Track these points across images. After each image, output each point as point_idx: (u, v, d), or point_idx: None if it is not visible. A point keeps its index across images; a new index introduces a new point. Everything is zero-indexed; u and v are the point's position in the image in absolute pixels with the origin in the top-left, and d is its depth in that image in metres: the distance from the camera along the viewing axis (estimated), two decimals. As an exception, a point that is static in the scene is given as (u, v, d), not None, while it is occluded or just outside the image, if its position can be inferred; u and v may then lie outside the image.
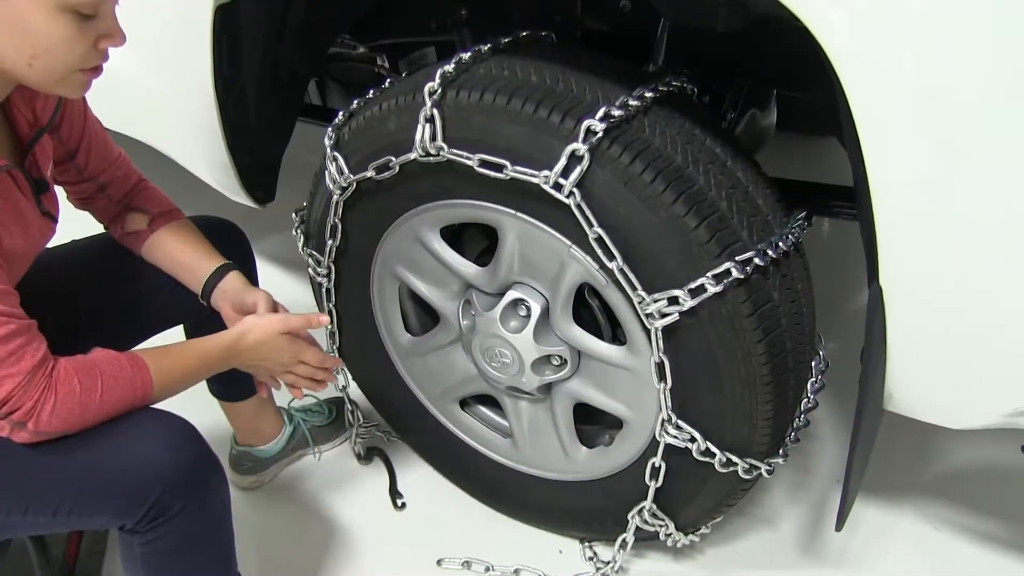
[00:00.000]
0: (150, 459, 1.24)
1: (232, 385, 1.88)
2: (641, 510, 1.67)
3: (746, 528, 1.98)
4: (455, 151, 1.45)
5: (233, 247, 1.73)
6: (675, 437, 1.51)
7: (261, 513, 2.01)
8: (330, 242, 1.74)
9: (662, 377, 1.46)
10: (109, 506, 1.25)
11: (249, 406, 1.94)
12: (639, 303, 1.39)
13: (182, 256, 1.58)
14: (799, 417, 1.61)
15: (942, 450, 2.17)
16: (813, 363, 1.63)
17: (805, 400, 1.62)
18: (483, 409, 1.93)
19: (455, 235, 1.74)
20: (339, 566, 1.90)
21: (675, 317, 1.38)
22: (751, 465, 1.52)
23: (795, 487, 2.07)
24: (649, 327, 1.41)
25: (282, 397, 2.08)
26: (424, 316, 1.91)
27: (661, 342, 1.42)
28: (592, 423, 1.82)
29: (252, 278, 1.78)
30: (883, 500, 2.03)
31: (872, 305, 1.26)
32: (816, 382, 1.63)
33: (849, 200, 1.83)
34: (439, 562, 1.90)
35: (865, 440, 1.44)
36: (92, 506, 1.26)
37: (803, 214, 1.53)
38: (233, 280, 1.58)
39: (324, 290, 1.83)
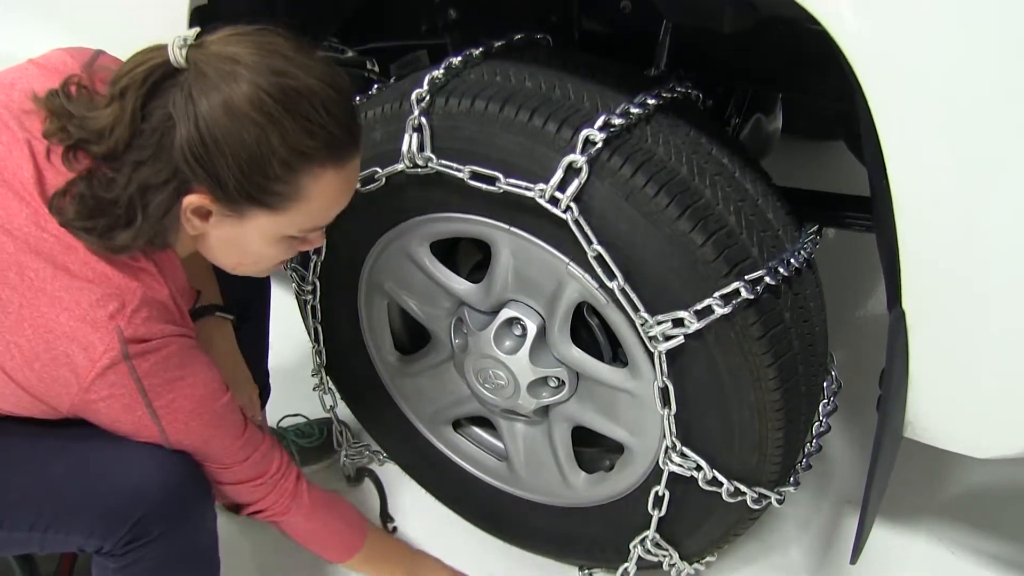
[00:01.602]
0: (135, 477, 1.18)
1: None
2: (644, 539, 1.58)
3: (754, 554, 1.89)
4: (444, 162, 1.36)
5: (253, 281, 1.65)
6: (680, 465, 1.42)
7: (248, 536, 1.92)
8: (314, 258, 1.65)
9: (666, 402, 1.37)
10: (87, 524, 1.19)
11: None
12: (642, 325, 1.30)
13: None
14: (811, 442, 1.52)
15: (958, 471, 2.08)
16: (825, 384, 1.54)
17: (817, 424, 1.53)
18: (477, 430, 1.85)
19: (447, 250, 1.64)
20: None
21: (680, 340, 1.29)
22: (760, 495, 1.43)
23: (805, 509, 1.97)
24: (652, 350, 1.32)
25: (271, 414, 1.99)
26: (415, 334, 1.81)
27: (665, 366, 1.33)
28: (592, 446, 1.73)
29: (266, 310, 1.78)
30: (897, 523, 1.94)
31: (894, 330, 1.17)
32: (828, 404, 1.54)
33: (863, 211, 1.73)
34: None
35: (883, 469, 1.35)
36: (70, 523, 1.20)
37: (815, 228, 1.44)
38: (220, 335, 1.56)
39: (309, 307, 1.73)
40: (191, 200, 1.09)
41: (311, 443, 2.03)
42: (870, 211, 1.67)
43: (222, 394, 1.23)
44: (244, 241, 1.16)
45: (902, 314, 1.13)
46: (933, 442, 1.32)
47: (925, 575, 1.85)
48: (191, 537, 1.27)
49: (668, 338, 1.30)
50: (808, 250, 1.38)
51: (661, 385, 1.35)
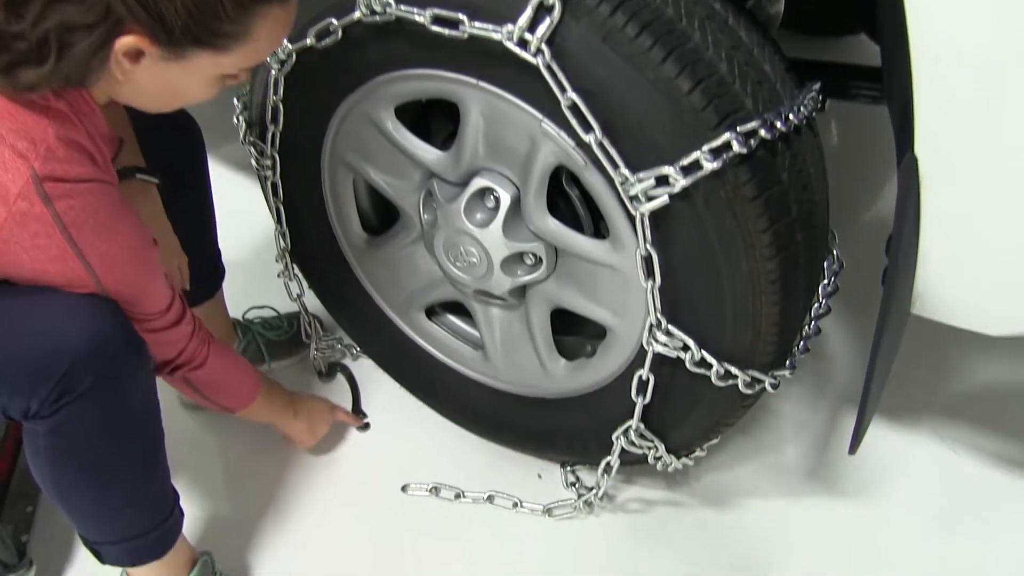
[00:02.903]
0: (58, 327, 1.09)
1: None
2: (627, 430, 1.47)
3: (746, 453, 1.78)
4: (404, 7, 1.22)
5: (183, 141, 1.58)
6: (665, 345, 1.30)
7: (213, 434, 1.82)
8: (272, 127, 1.51)
9: (650, 274, 1.24)
10: (11, 380, 1.10)
11: (199, 313, 1.71)
12: (622, 184, 1.17)
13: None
14: (809, 324, 1.40)
15: (961, 369, 1.97)
16: (826, 263, 1.41)
17: (816, 305, 1.41)
18: (452, 318, 1.73)
19: (416, 124, 1.50)
20: (296, 491, 1.73)
21: (664, 200, 1.16)
22: (753, 378, 1.31)
23: (801, 408, 1.87)
24: (634, 213, 1.19)
25: (237, 307, 1.87)
26: (384, 214, 1.68)
27: (648, 231, 1.20)
28: (573, 334, 1.60)
29: (203, 180, 1.66)
30: (897, 421, 1.83)
31: (904, 181, 1.04)
32: (829, 285, 1.41)
33: (868, 80, 1.59)
34: (404, 488, 1.72)
35: (887, 350, 1.23)
36: None
37: (818, 85, 1.29)
38: (143, 199, 1.45)
39: (270, 184, 1.60)
40: (125, 42, 0.98)
41: (279, 336, 1.91)
42: (875, 80, 1.54)
43: (152, 246, 1.19)
44: (177, 83, 1.07)
45: (914, 162, 0.99)
46: (945, 318, 1.19)
47: (926, 474, 1.76)
48: (125, 396, 1.17)
49: (651, 198, 1.17)
50: (809, 108, 1.23)
51: (644, 253, 1.22)
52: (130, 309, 1.18)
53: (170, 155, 1.47)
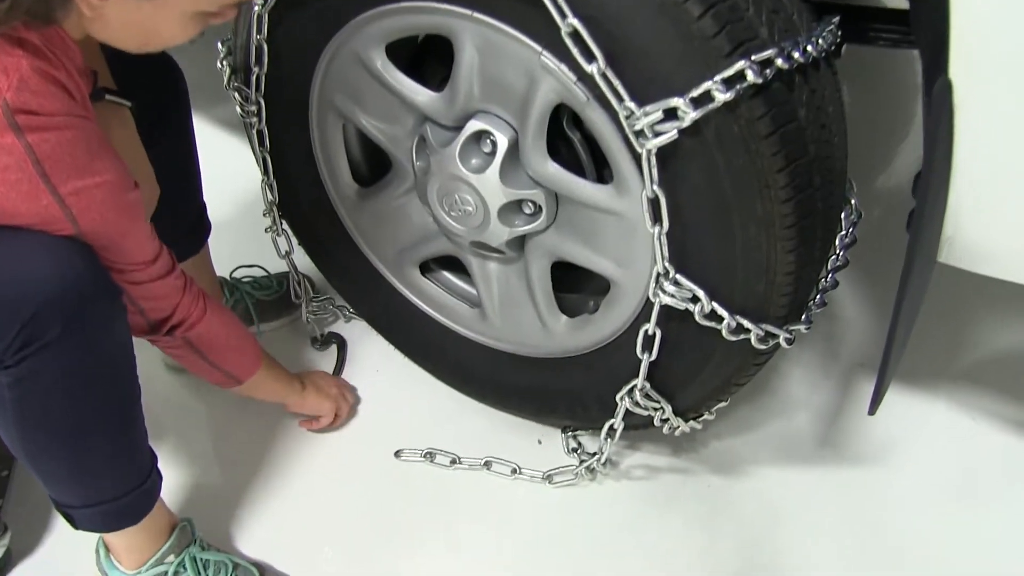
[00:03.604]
0: (25, 271, 1.02)
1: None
2: (632, 390, 1.39)
3: (757, 418, 1.70)
4: (394, -70, 1.12)
5: (164, 80, 1.49)
6: (673, 296, 1.22)
7: (197, 398, 1.74)
8: (256, 69, 1.42)
9: (657, 218, 1.15)
10: None
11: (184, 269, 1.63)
12: (627, 118, 1.08)
13: None
14: (826, 276, 1.31)
15: (981, 333, 1.89)
16: (843, 214, 1.32)
17: (833, 257, 1.32)
18: (447, 275, 1.64)
19: (410, 68, 1.41)
20: (283, 456, 1.66)
21: (673, 135, 1.07)
22: (767, 332, 1.22)
23: (814, 373, 1.79)
24: (640, 150, 1.10)
25: (224, 267, 1.78)
26: (375, 164, 1.60)
27: (655, 171, 1.11)
28: (574, 291, 1.52)
29: (186, 123, 1.57)
30: (915, 388, 1.75)
31: (935, 110, 0.94)
32: (846, 236, 1.33)
33: (889, 22, 1.49)
34: (397, 454, 1.65)
35: (912, 302, 1.14)
36: None
37: (837, 19, 1.20)
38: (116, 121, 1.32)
39: (255, 132, 1.52)
40: None
41: (268, 296, 1.83)
42: (893, 22, 1.45)
43: (132, 188, 1.12)
44: (151, 20, 1.04)
45: (947, 87, 0.90)
46: (975, 265, 1.11)
47: (943, 441, 1.68)
48: (96, 347, 1.10)
49: (658, 134, 1.08)
50: (828, 41, 1.14)
51: (651, 195, 1.13)
52: (111, 257, 1.12)
53: (150, 95, 1.38)
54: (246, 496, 1.59)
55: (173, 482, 1.56)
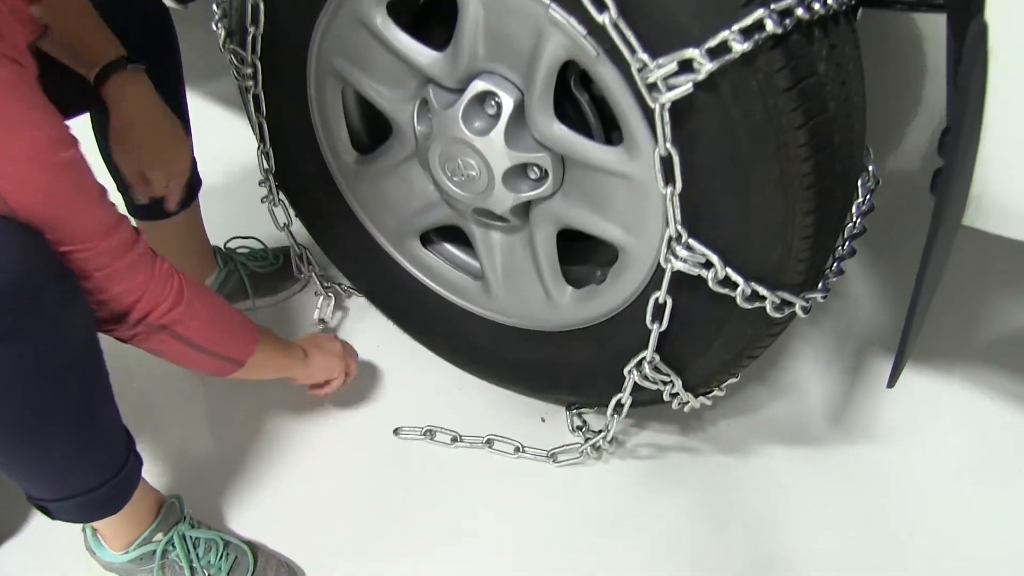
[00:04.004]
0: None
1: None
2: (640, 363, 1.34)
3: (765, 397, 1.66)
4: None
5: (156, 36, 1.43)
6: (685, 262, 1.16)
7: (190, 373, 1.67)
8: (252, 29, 1.37)
9: (669, 179, 1.10)
10: None
11: (174, 229, 1.59)
12: (639, 71, 1.03)
13: (81, 30, 1.27)
14: (843, 244, 1.26)
15: (998, 312, 1.84)
16: (860, 180, 1.27)
17: (850, 224, 1.27)
18: (449, 247, 1.59)
19: (412, 30, 1.35)
20: (277, 433, 1.61)
21: (688, 89, 1.02)
22: (783, 300, 1.17)
23: (823, 352, 1.74)
24: (653, 105, 1.04)
25: (218, 235, 1.72)
26: (375, 131, 1.54)
27: (668, 127, 1.05)
28: (579, 263, 1.47)
29: (177, 80, 1.49)
30: (931, 367, 1.71)
31: (968, 56, 0.89)
32: (864, 203, 1.28)
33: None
34: (396, 431, 1.60)
35: (936, 265, 1.09)
36: None
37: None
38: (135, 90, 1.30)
39: (251, 97, 1.46)
40: None
41: (263, 267, 1.77)
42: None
43: (68, 146, 0.96)
44: None
45: (983, 29, 0.85)
46: (1005, 228, 1.05)
47: (958, 420, 1.64)
48: (52, 336, 0.98)
49: (672, 88, 1.02)
50: (848, -5, 1.09)
51: (663, 153, 1.08)
52: (55, 237, 0.97)
53: (141, 45, 1.32)
54: (239, 473, 1.54)
55: (162, 460, 1.52)
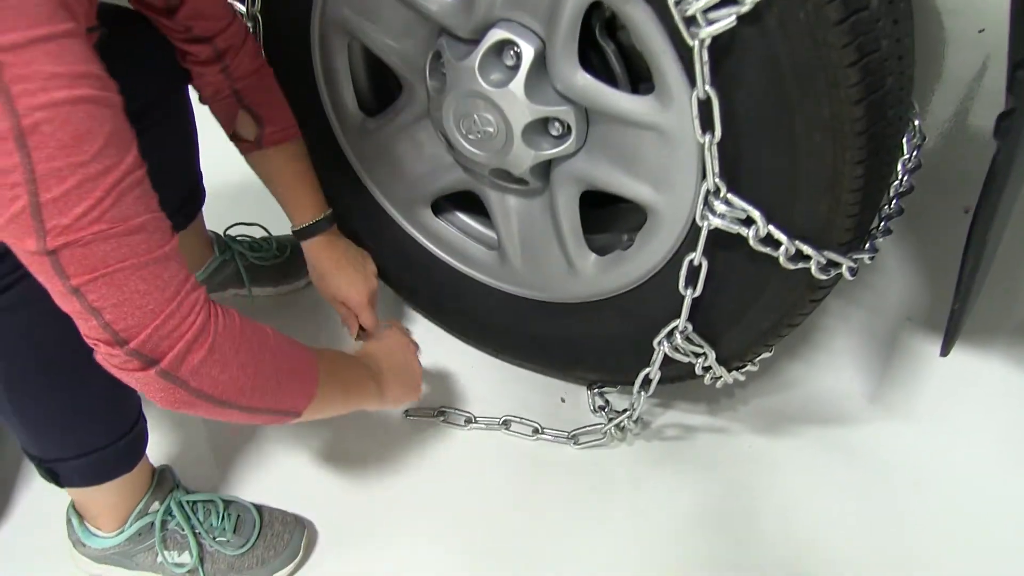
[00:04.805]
0: None
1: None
2: (671, 333, 1.24)
3: (799, 375, 1.57)
4: None
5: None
6: (723, 218, 1.07)
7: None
8: (252, -21, 1.27)
9: (708, 126, 1.01)
10: None
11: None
12: (677, 4, 0.94)
13: (285, 188, 1.39)
14: (890, 203, 1.17)
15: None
16: (905, 138, 1.18)
17: (896, 182, 1.18)
18: (461, 216, 1.50)
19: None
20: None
21: (730, 23, 0.92)
22: (829, 260, 1.07)
23: (857, 326, 1.66)
24: (691, 42, 0.95)
25: (221, 221, 1.62)
26: (383, 91, 1.45)
27: (708, 67, 0.96)
28: (603, 231, 1.38)
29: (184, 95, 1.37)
30: (967, 344, 1.61)
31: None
32: (910, 160, 1.18)
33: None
34: (406, 412, 1.50)
35: (1001, 219, 1.00)
36: None
37: None
38: (325, 238, 1.42)
39: (251, 55, 1.36)
40: None
41: (263, 260, 1.67)
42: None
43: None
44: None
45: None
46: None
47: (1002, 401, 1.54)
48: None
49: (713, 21, 0.93)
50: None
51: (702, 96, 0.99)
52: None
53: (149, 87, 1.23)
54: (238, 451, 1.46)
55: (155, 430, 1.42)
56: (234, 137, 1.33)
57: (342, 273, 1.41)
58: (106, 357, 0.82)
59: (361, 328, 1.46)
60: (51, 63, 0.69)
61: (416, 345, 1.41)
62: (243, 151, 1.34)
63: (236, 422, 0.95)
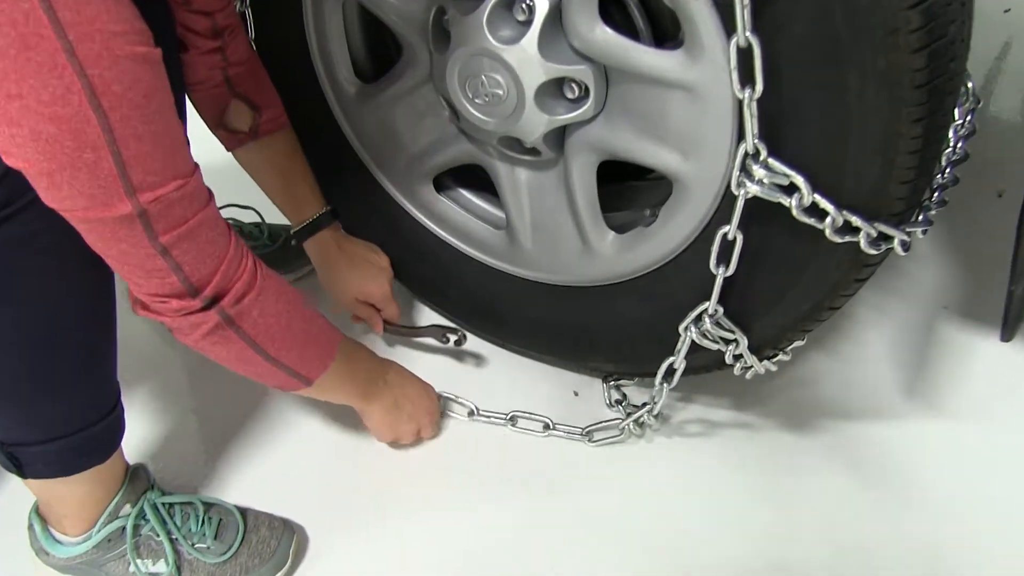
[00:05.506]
0: None
1: None
2: (700, 317, 1.12)
3: (827, 367, 1.47)
4: None
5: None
6: (762, 184, 0.95)
7: (167, 344, 1.52)
8: (238, -69, 1.16)
9: (748, 79, 0.89)
10: None
11: None
12: (714, -64, 0.82)
13: (282, 182, 1.36)
14: (943, 172, 1.05)
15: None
16: (957, 105, 1.07)
17: (949, 150, 1.06)
18: (466, 193, 1.38)
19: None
20: (268, 404, 1.43)
21: (777, -44, 0.80)
22: (880, 233, 0.96)
23: (892, 316, 1.55)
24: (732, -19, 0.83)
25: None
26: (381, 58, 1.34)
27: (748, 10, 0.84)
28: (621, 209, 1.27)
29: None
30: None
31: None
32: (963, 125, 1.07)
33: None
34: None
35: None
36: None
37: None
38: (331, 235, 1.39)
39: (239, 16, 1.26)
40: None
41: (254, 250, 1.54)
42: None
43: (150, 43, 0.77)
44: None
45: None
46: None
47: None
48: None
49: (756, -44, 0.82)
50: None
51: (743, 44, 0.87)
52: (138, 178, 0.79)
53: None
54: (220, 451, 1.36)
55: (136, 428, 1.32)
56: (222, 130, 1.28)
57: (358, 270, 1.40)
58: (176, 309, 0.87)
59: (386, 323, 1.42)
60: (112, 22, 0.69)
61: (440, 413, 1.37)
62: (233, 145, 1.30)
63: (253, 377, 1.01)
